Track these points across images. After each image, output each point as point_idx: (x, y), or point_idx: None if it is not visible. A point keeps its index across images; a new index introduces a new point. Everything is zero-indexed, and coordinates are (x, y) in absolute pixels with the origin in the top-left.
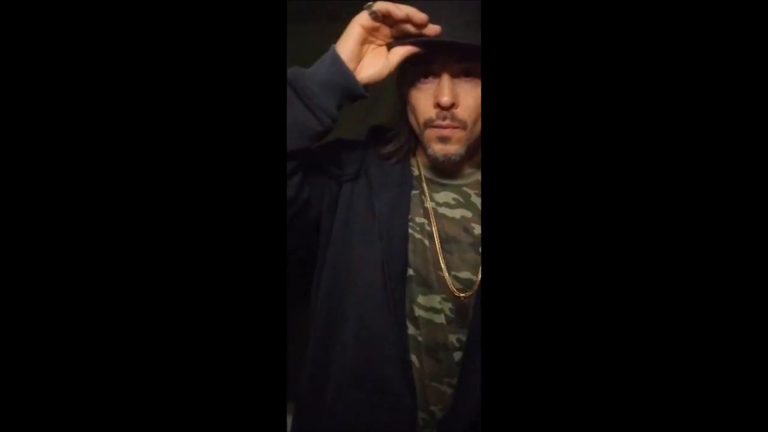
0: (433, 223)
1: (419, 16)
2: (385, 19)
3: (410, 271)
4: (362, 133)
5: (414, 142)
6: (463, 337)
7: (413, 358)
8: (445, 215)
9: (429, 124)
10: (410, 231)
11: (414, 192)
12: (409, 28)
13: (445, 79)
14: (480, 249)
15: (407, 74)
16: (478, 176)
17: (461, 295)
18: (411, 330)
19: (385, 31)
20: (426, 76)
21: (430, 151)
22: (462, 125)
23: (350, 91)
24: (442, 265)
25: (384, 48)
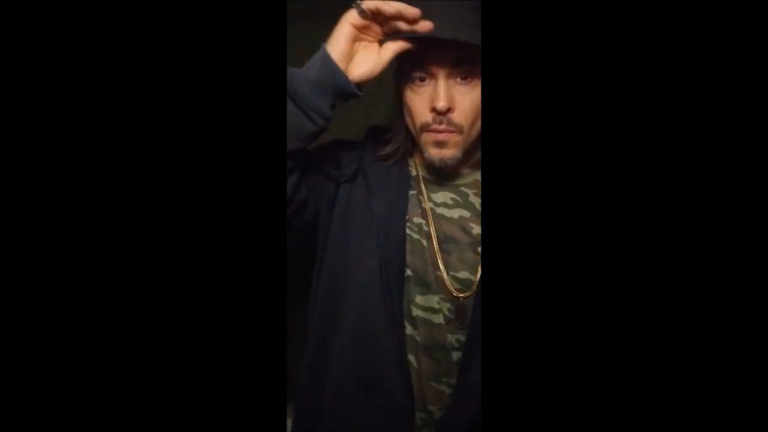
0: (431, 224)
1: (411, 11)
2: (375, 16)
3: (408, 272)
4: (361, 133)
5: (411, 143)
6: (462, 338)
7: (411, 357)
8: (443, 215)
9: (425, 128)
10: (408, 231)
11: (412, 192)
12: (401, 24)
13: (441, 83)
14: (478, 249)
15: (403, 77)
16: (476, 176)
17: (460, 295)
18: (409, 330)
19: (376, 28)
20: (422, 80)
21: (426, 155)
22: (458, 129)
23: (342, 90)
24: (441, 266)
25: (375, 45)
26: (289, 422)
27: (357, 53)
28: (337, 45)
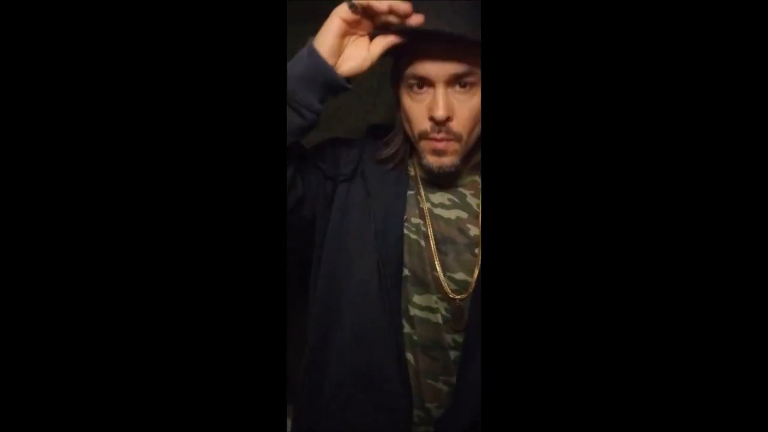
0: (429, 224)
1: (402, 7)
2: (366, 11)
3: (406, 271)
4: (361, 132)
5: (410, 145)
6: (459, 338)
7: (409, 356)
8: (441, 216)
9: (424, 136)
10: (406, 231)
11: (410, 192)
12: (392, 19)
13: (440, 92)
14: (475, 250)
15: (401, 81)
16: (473, 177)
17: (456, 297)
18: (407, 329)
19: (367, 22)
20: (420, 86)
21: (424, 161)
22: (457, 138)
23: (330, 84)
24: (437, 267)
25: (365, 39)
26: (289, 423)
27: (346, 47)
28: (325, 40)
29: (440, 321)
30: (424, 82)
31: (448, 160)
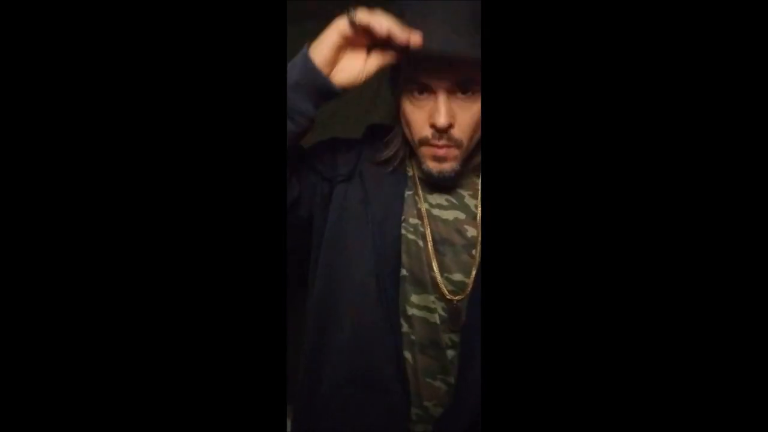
0: (427, 225)
1: (402, 36)
2: (365, 31)
3: (404, 272)
4: (362, 131)
5: (410, 148)
6: (456, 338)
7: (407, 354)
8: (439, 217)
9: (424, 142)
10: (404, 232)
11: (408, 193)
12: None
13: (442, 99)
14: (473, 251)
15: (401, 85)
16: (471, 178)
17: (454, 298)
18: (405, 328)
19: (365, 37)
20: (421, 92)
21: (424, 166)
22: (457, 144)
23: (323, 91)
24: (435, 268)
25: (362, 52)
26: (289, 423)
27: (342, 58)
28: (320, 51)
29: (437, 321)
30: (425, 88)
31: (448, 166)
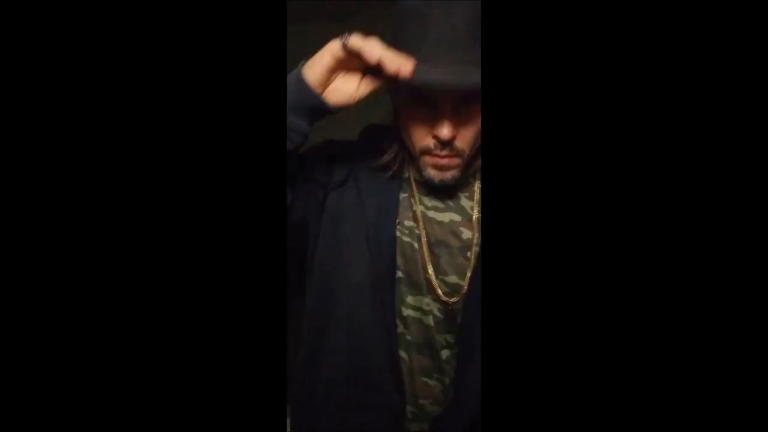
0: (422, 227)
1: (392, 66)
2: (358, 55)
3: (399, 273)
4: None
5: (407, 153)
6: (451, 338)
7: (403, 354)
8: (434, 219)
9: (426, 152)
10: (399, 234)
11: (403, 195)
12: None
13: (445, 111)
14: (468, 253)
15: (401, 92)
16: (468, 179)
17: (449, 300)
18: (400, 328)
19: (359, 60)
20: (422, 102)
21: (425, 174)
22: (460, 154)
23: (315, 110)
24: (430, 270)
25: (357, 73)
26: (288, 423)
27: (336, 78)
28: (313, 72)
29: (432, 323)
30: (427, 99)
31: (450, 174)
